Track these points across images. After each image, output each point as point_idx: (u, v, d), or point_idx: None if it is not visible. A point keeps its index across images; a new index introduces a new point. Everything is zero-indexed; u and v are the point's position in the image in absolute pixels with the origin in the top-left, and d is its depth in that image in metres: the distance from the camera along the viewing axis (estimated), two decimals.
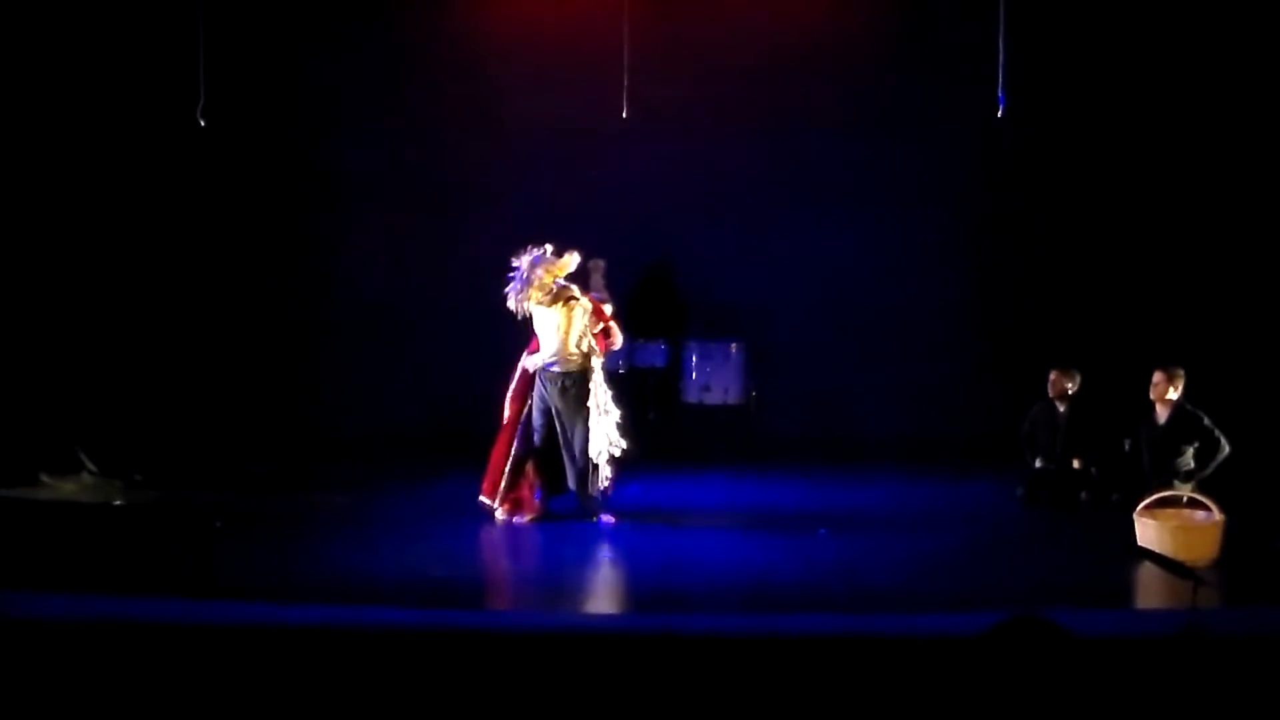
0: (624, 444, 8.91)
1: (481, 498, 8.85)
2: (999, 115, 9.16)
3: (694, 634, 5.81)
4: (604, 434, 8.81)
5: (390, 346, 12.38)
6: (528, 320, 8.86)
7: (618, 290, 10.98)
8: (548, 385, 8.80)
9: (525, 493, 8.85)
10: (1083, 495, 9.45)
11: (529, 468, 8.85)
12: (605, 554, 8.31)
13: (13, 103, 11.31)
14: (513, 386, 8.94)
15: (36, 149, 11.47)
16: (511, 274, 8.74)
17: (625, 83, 10.12)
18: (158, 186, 12.11)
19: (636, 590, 7.57)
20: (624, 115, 10.21)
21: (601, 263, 11.03)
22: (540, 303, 8.75)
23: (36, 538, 8.26)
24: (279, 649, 5.33)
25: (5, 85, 11.27)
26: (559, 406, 8.78)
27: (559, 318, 8.76)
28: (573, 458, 8.78)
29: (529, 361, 8.88)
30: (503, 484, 8.80)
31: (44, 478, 9.78)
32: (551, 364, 8.78)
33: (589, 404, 8.79)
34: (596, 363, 8.88)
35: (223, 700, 4.98)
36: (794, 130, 12.24)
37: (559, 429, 8.80)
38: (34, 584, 6.72)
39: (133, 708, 4.95)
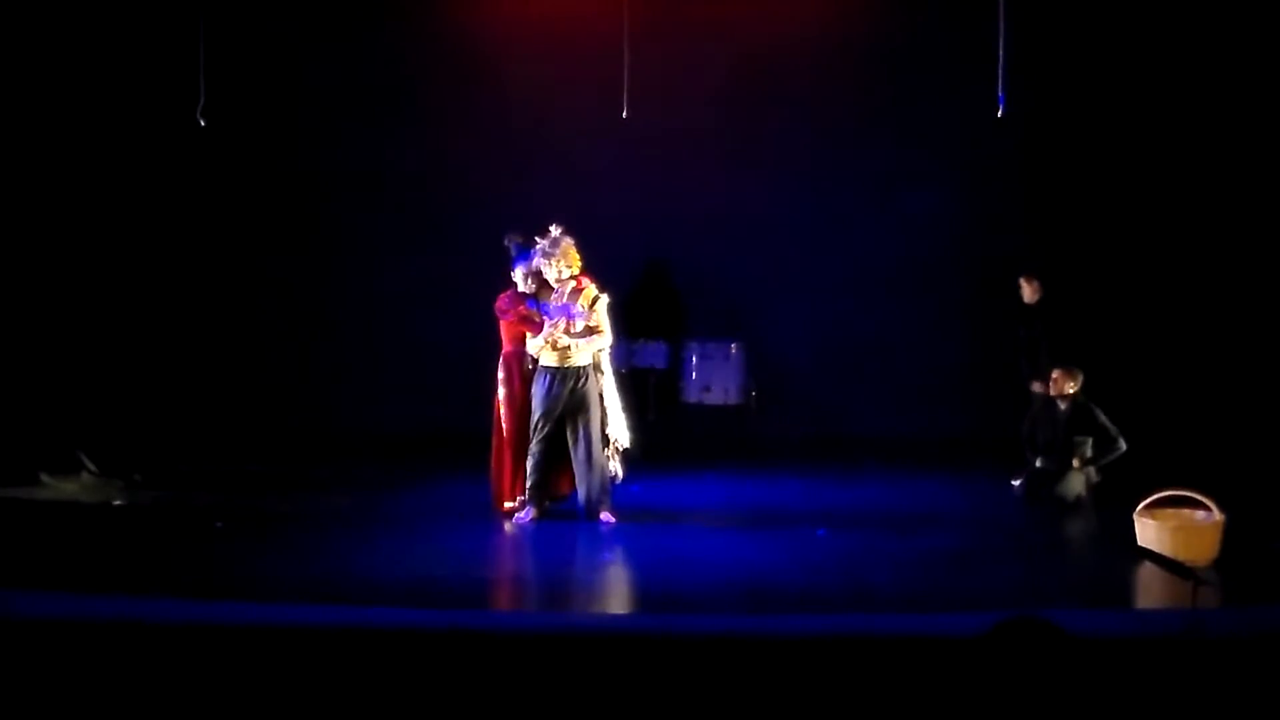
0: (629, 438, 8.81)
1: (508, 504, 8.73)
2: (999, 115, 9.16)
3: (694, 634, 5.81)
4: (616, 426, 8.71)
5: (390, 346, 12.38)
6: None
7: (619, 290, 10.96)
8: (556, 380, 8.55)
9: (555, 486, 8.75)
10: (1083, 495, 9.45)
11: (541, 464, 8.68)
12: (606, 554, 8.30)
13: (13, 103, 11.31)
14: (509, 383, 8.73)
15: (37, 149, 11.47)
16: (530, 250, 8.58)
17: (625, 83, 10.12)
18: (158, 186, 12.11)
19: (636, 590, 7.56)
20: (624, 115, 10.21)
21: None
22: (560, 281, 8.56)
23: (36, 538, 8.25)
24: (279, 649, 5.32)
25: (5, 85, 11.27)
26: (571, 402, 8.56)
27: (579, 306, 8.58)
28: (588, 454, 8.57)
29: (545, 356, 8.57)
30: (529, 481, 8.64)
31: (44, 478, 9.76)
32: (563, 358, 8.55)
33: (602, 397, 8.64)
34: (605, 356, 8.71)
35: (223, 700, 4.98)
36: (794, 130, 12.25)
37: (568, 426, 8.58)
38: (34, 584, 6.71)
39: (133, 708, 4.95)
